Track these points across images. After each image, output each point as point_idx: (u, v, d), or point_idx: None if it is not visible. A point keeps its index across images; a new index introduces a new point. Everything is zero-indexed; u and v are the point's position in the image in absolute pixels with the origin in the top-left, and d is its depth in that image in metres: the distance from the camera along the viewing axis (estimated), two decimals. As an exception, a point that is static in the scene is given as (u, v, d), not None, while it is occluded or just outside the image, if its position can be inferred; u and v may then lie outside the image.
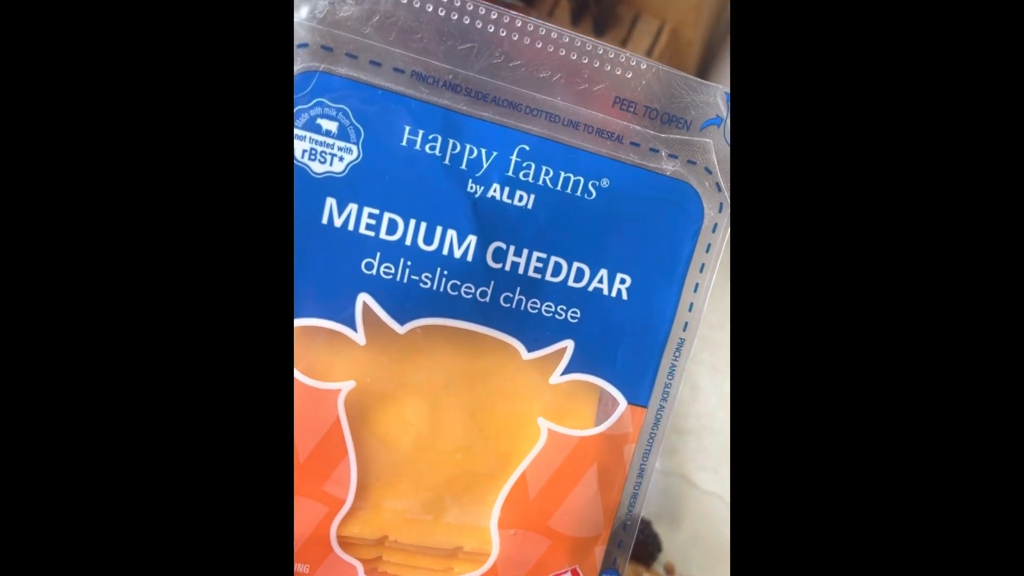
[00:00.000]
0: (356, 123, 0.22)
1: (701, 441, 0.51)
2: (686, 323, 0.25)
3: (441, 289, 0.23)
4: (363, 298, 0.23)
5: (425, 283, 0.23)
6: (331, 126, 0.22)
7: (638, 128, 0.23)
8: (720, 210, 0.24)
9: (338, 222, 0.22)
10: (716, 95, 0.24)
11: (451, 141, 0.22)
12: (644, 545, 0.39)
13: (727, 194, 0.24)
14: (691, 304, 0.25)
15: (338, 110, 0.22)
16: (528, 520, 0.25)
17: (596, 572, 0.26)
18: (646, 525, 0.39)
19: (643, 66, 0.23)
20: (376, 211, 0.22)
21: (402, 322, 0.23)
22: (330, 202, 0.22)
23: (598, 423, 0.25)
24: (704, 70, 0.66)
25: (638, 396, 0.25)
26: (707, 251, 0.24)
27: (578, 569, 0.25)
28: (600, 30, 0.59)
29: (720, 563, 0.40)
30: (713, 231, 0.24)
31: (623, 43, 0.59)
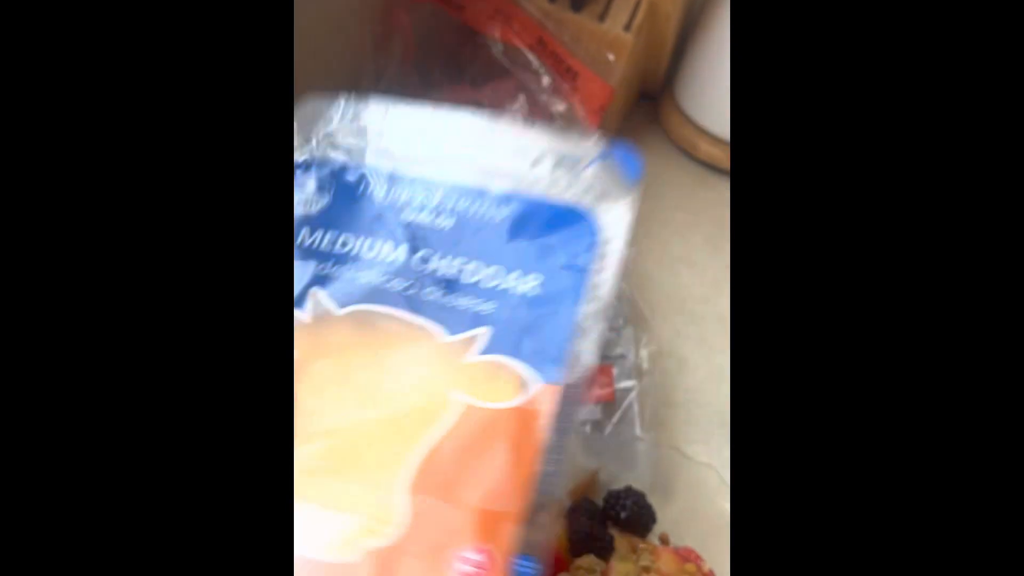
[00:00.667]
0: (330, 182, 0.32)
1: (691, 413, 0.52)
2: (587, 315, 0.29)
3: (375, 283, 0.29)
4: (315, 290, 0.30)
5: (363, 279, 0.30)
6: (312, 186, 0.32)
7: (539, 167, 0.31)
8: (614, 226, 0.30)
9: (307, 243, 0.31)
10: (597, 139, 0.31)
11: (393, 188, 0.31)
12: (639, 517, 0.40)
13: (616, 213, 0.30)
14: (592, 299, 0.29)
15: (320, 177, 0.32)
16: (438, 489, 0.26)
17: (509, 552, 0.26)
18: (640, 497, 0.40)
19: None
20: (336, 233, 0.31)
21: (341, 307, 0.29)
22: (304, 230, 0.31)
23: (512, 399, 0.27)
24: (682, 43, 0.66)
25: (551, 376, 0.27)
26: (604, 258, 0.29)
27: (492, 550, 0.25)
28: (577, 6, 0.58)
29: (713, 532, 0.41)
30: (608, 243, 0.30)
31: (601, 17, 0.58)
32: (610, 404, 0.50)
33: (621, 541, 0.39)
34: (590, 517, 0.39)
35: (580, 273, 0.29)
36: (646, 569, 0.37)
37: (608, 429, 0.49)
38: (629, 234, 0.30)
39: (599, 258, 0.29)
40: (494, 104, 0.58)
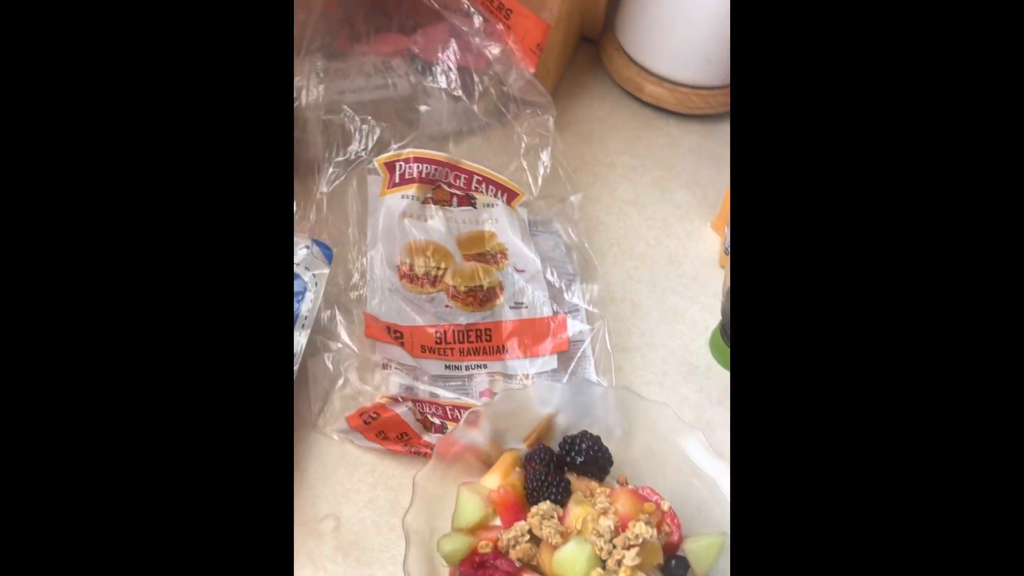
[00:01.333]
0: None
1: (645, 356, 0.51)
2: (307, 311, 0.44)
3: None
4: None
5: None
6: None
7: None
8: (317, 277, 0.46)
9: None
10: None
11: None
12: (595, 461, 0.39)
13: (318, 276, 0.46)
14: (309, 310, 0.45)
15: None
16: None
17: None
18: (595, 441, 0.39)
19: None
20: None
21: None
22: None
23: None
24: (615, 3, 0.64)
25: None
26: (310, 301, 0.45)
27: None
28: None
29: (672, 470, 0.40)
30: (310, 291, 0.45)
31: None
32: (565, 353, 0.49)
33: (579, 485, 0.39)
34: (546, 464, 0.38)
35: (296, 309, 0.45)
36: (604, 511, 0.36)
37: (565, 377, 0.48)
38: (323, 288, 0.46)
39: (306, 301, 0.45)
40: (426, 52, 0.56)
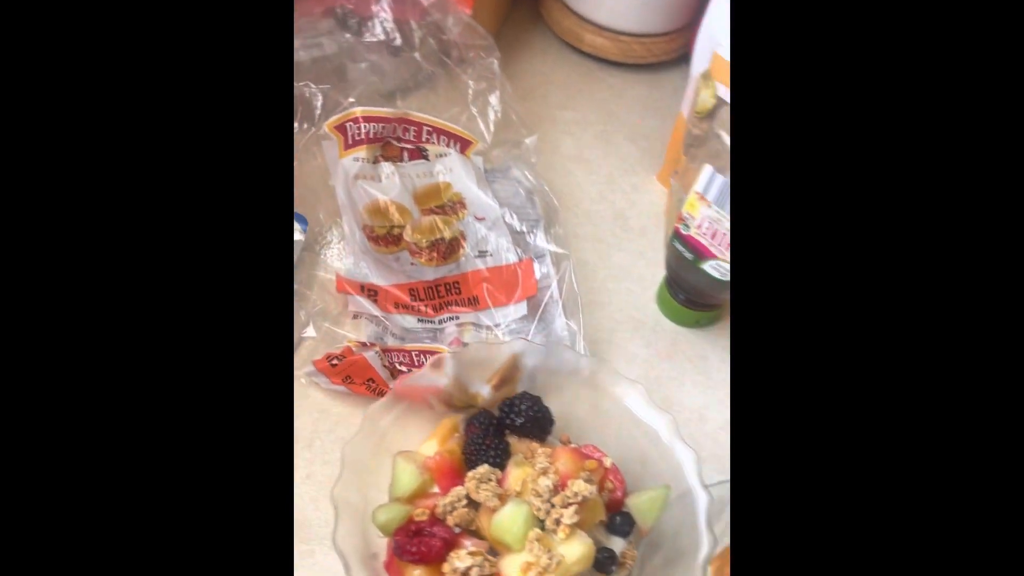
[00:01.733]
0: None
1: (592, 315, 0.50)
2: None
3: None
4: None
5: None
6: None
7: None
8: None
9: None
10: None
11: None
12: (536, 421, 0.38)
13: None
14: None
15: None
16: None
17: None
18: (535, 401, 0.38)
19: None
20: None
21: None
22: None
23: None
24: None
25: None
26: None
27: None
28: None
29: (614, 427, 0.39)
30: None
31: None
32: (533, 298, 0.48)
33: (520, 447, 0.38)
34: (484, 428, 0.37)
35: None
36: (543, 471, 0.35)
37: (534, 323, 0.47)
38: (301, 251, 0.48)
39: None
40: (359, 7, 0.54)
